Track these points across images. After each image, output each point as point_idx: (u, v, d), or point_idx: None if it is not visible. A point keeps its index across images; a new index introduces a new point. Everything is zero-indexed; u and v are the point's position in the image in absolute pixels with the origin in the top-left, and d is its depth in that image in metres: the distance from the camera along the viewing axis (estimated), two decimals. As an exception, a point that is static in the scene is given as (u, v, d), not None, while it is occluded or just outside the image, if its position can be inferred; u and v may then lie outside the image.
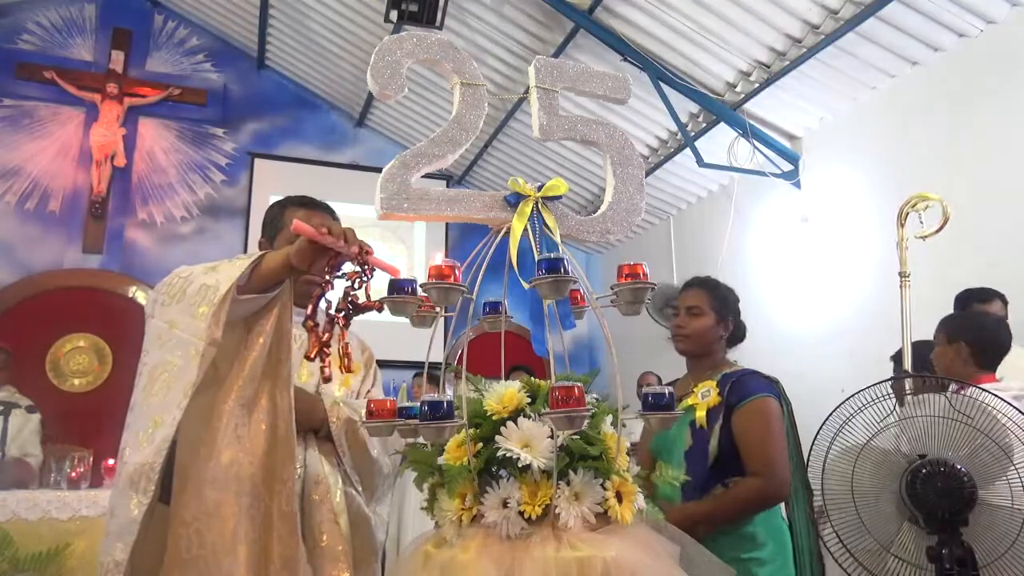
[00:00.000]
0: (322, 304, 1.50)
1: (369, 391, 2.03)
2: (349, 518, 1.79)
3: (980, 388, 1.91)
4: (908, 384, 2.17)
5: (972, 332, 2.61)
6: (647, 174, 6.09)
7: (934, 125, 4.32)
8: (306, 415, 1.75)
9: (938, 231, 2.57)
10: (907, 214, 2.60)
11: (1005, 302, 3.33)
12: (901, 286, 2.62)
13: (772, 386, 2.25)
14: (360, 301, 1.47)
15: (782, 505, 2.23)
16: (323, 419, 1.82)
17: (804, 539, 2.16)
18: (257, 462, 1.50)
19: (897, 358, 3.36)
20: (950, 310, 3.29)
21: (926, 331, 2.75)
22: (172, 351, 1.51)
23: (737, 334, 2.40)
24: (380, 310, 1.37)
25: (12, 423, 4.02)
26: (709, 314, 2.33)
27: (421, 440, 1.24)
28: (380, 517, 1.92)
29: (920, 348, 2.74)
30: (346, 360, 1.51)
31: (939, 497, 1.72)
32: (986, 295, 3.34)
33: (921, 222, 2.59)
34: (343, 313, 1.47)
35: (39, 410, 4.38)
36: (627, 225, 1.38)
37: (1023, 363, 2.94)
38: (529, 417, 1.18)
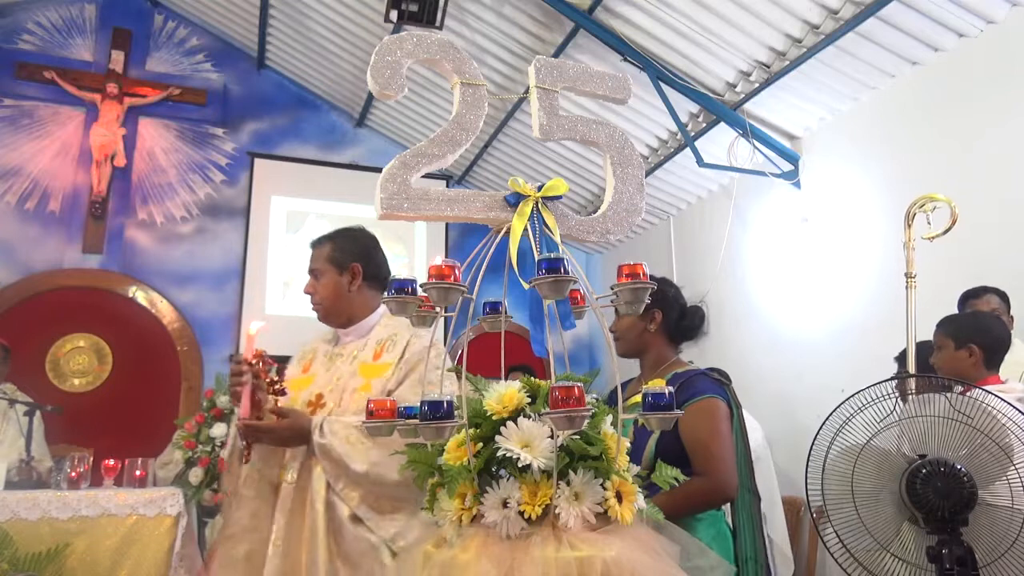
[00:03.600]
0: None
1: (392, 391, 2.05)
2: (334, 525, 1.94)
3: (984, 390, 1.91)
4: (911, 384, 2.16)
5: (982, 335, 2.59)
6: (647, 174, 6.09)
7: (934, 125, 4.32)
8: (289, 438, 2.01)
9: (945, 232, 2.55)
10: (915, 215, 2.58)
11: (1001, 296, 3.32)
12: (907, 287, 2.60)
13: (721, 388, 2.21)
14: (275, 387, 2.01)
15: (727, 511, 2.18)
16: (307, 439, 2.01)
17: (749, 546, 2.09)
18: None
19: (901, 358, 3.36)
20: (952, 310, 3.29)
21: (928, 332, 2.75)
22: None
23: (680, 326, 2.30)
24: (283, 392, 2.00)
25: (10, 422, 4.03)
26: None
27: (421, 440, 1.24)
28: (390, 518, 1.96)
29: (924, 348, 2.74)
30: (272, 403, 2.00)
31: (939, 497, 1.72)
32: (978, 291, 3.34)
33: (929, 223, 2.58)
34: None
35: (35, 410, 4.36)
36: (627, 225, 1.38)
37: (1019, 357, 2.97)
38: (529, 417, 1.18)
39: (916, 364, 2.60)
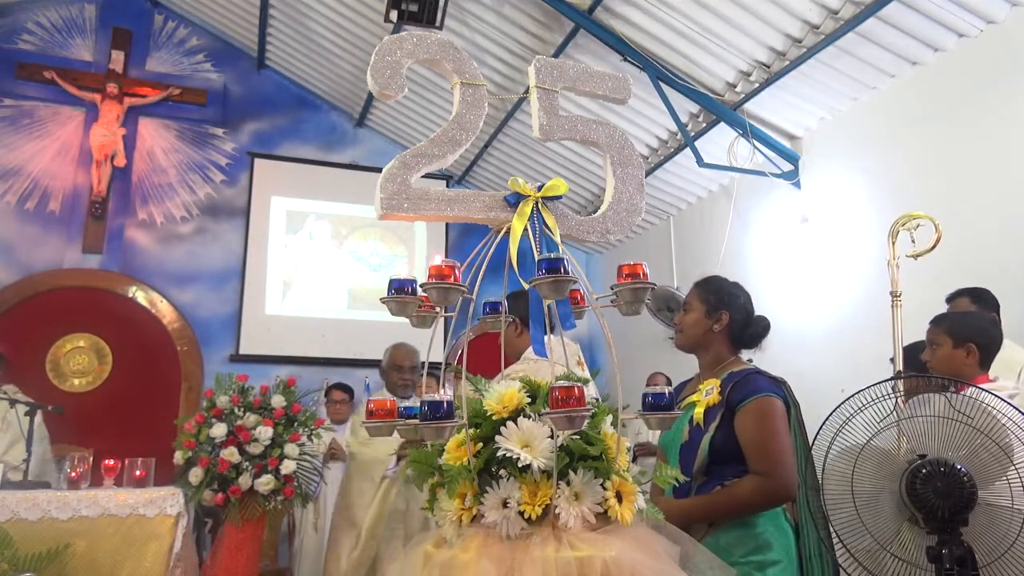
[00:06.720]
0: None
1: None
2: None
3: (979, 388, 1.91)
4: (902, 385, 2.16)
5: (980, 334, 2.59)
6: (647, 174, 6.09)
7: (934, 125, 4.32)
8: None
9: (930, 250, 2.54)
10: (897, 233, 2.56)
11: (978, 296, 3.32)
12: (893, 306, 2.59)
13: (777, 386, 2.20)
14: None
15: (786, 506, 2.20)
16: None
17: (814, 544, 2.10)
18: None
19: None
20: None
21: (920, 333, 2.75)
22: None
23: (746, 331, 2.31)
24: None
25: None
26: (699, 307, 2.32)
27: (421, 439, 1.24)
28: None
29: (915, 350, 2.73)
30: None
31: (939, 497, 1.72)
32: (953, 296, 3.36)
33: (913, 241, 2.57)
34: None
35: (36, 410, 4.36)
36: (627, 225, 1.38)
37: (1018, 356, 2.97)
38: (529, 417, 1.18)
39: (908, 367, 2.60)
